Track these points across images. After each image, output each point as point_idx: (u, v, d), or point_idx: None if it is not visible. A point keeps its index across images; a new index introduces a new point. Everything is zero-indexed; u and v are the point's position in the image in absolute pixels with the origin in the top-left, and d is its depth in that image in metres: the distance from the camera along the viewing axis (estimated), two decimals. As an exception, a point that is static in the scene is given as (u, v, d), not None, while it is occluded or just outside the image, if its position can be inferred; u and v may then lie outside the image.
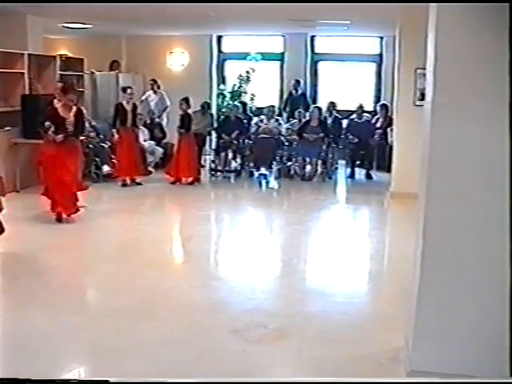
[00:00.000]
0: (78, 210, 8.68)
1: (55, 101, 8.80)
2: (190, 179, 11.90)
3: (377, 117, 13.38)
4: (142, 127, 12.65)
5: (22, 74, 10.86)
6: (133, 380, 4.18)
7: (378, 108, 13.59)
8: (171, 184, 11.65)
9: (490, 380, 4.03)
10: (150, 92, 14.61)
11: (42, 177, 8.84)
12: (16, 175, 10.37)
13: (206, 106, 14.11)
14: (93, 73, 14.16)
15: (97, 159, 11.75)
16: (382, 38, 14.97)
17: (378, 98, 14.90)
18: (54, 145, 8.52)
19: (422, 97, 9.18)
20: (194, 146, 12.20)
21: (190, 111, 12.21)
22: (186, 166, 11.82)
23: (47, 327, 5.22)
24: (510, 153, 3.86)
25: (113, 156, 11.84)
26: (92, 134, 11.67)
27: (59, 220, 8.54)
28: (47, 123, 8.63)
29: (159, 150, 13.11)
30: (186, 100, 12.13)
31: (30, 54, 11.24)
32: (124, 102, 11.47)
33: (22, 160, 10.52)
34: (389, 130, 12.51)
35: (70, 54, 14.72)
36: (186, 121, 12.02)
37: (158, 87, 14.73)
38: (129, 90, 11.53)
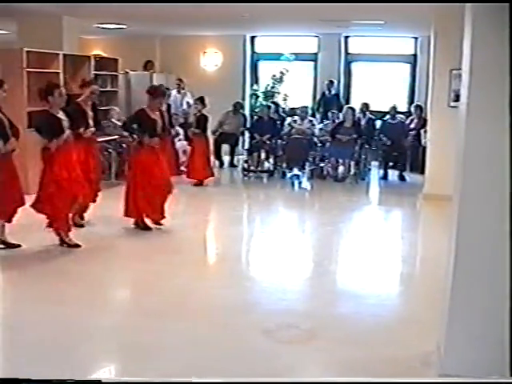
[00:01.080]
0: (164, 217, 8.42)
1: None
2: (208, 179, 11.88)
3: (411, 118, 13.30)
4: (177, 127, 12.70)
5: (58, 73, 10.94)
6: (127, 380, 4.19)
7: (412, 109, 13.50)
8: (194, 186, 11.57)
9: (490, 380, 3.99)
10: (174, 91, 14.59)
11: (132, 182, 8.25)
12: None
13: (237, 106, 14.13)
14: (127, 73, 14.24)
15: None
16: (416, 38, 14.85)
17: (411, 99, 14.79)
18: (149, 149, 8.13)
19: (457, 98, 9.09)
20: (208, 147, 12.17)
21: (205, 111, 11.90)
22: (201, 167, 11.72)
23: (79, 325, 5.27)
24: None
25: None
26: (125, 134, 11.71)
27: (146, 227, 8.30)
28: (134, 125, 8.35)
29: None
30: (201, 100, 11.83)
31: (65, 55, 11.34)
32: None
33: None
34: (422, 131, 12.41)
35: (105, 54, 14.83)
36: (201, 121, 11.76)
37: (183, 88, 14.76)
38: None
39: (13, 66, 10.24)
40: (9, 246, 7.27)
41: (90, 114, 8.34)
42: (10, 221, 7.29)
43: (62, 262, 7.01)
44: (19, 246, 7.30)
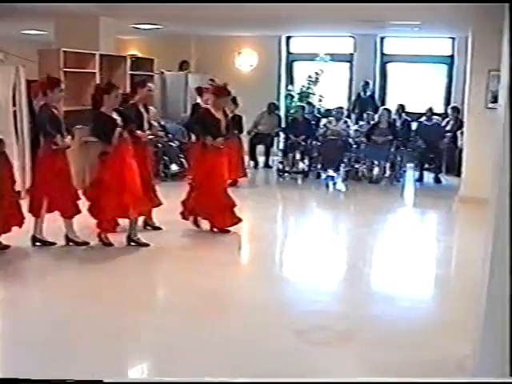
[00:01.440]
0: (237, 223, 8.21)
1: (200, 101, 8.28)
2: (242, 179, 11.85)
3: (447, 119, 13.17)
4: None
5: (94, 73, 11.05)
6: (128, 380, 4.19)
7: (449, 110, 13.37)
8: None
9: (490, 380, 3.93)
10: None
11: (196, 184, 8.17)
12: (85, 173, 10.53)
13: (272, 107, 14.12)
14: (162, 73, 14.31)
15: (165, 158, 11.88)
16: (453, 38, 14.68)
17: (448, 101, 14.64)
18: (214, 150, 7.97)
19: (495, 99, 9.01)
20: (242, 147, 12.14)
21: (237, 111, 11.83)
22: (234, 167, 11.46)
23: (113, 324, 5.31)
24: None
25: (181, 155, 11.95)
26: (161, 134, 11.78)
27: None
28: (197, 126, 8.27)
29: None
30: (234, 100, 11.43)
31: (101, 55, 11.45)
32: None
33: (92, 158, 10.67)
34: (459, 133, 12.29)
35: (140, 55, 14.92)
36: (236, 122, 11.41)
37: None
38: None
39: (50, 66, 10.35)
40: (77, 243, 7.39)
41: (146, 115, 8.18)
42: (71, 216, 7.39)
43: (106, 259, 7.06)
44: (87, 243, 7.43)
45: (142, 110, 8.14)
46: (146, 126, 8.11)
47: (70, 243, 7.39)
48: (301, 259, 7.64)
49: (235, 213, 8.15)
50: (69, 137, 7.21)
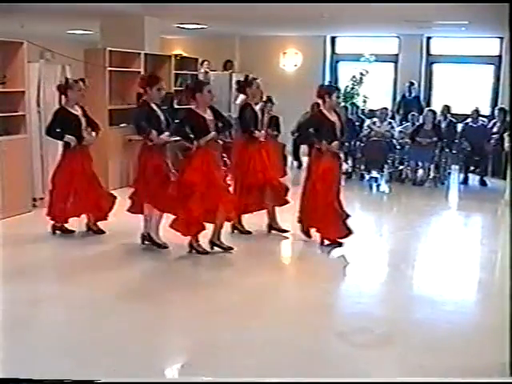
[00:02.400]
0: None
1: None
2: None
3: (493, 121, 12.97)
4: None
5: (139, 72, 11.13)
6: (125, 380, 4.18)
7: (495, 112, 13.17)
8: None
9: (490, 380, 3.85)
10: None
11: (309, 189, 7.65)
12: (130, 171, 10.62)
13: (315, 107, 14.07)
14: (207, 72, 14.36)
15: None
16: (501, 38, 14.45)
17: (495, 102, 14.43)
18: (327, 156, 7.48)
19: (543, 101, 8.85)
20: (279, 146, 12.00)
21: (273, 112, 11.59)
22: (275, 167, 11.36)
23: (154, 322, 5.35)
24: None
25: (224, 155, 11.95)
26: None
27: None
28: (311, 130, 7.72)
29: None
30: (270, 100, 11.26)
31: (146, 54, 11.54)
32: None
33: (135, 156, 10.76)
34: (505, 135, 12.09)
35: (185, 54, 15.00)
36: (273, 122, 11.30)
37: None
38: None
39: (96, 66, 10.46)
40: (157, 245, 7.30)
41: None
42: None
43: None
44: (166, 247, 7.30)
45: (258, 109, 8.03)
46: (261, 126, 7.97)
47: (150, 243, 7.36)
48: (344, 260, 7.58)
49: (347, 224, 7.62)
50: (166, 133, 7.09)
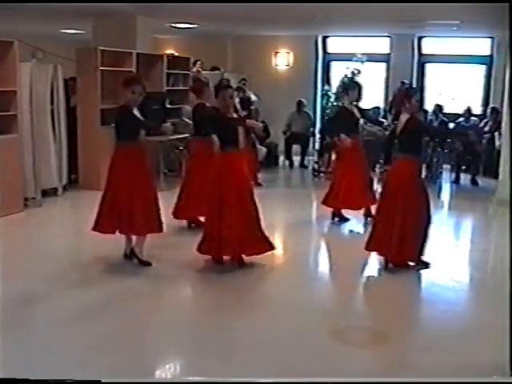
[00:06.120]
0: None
1: None
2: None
3: (485, 120, 13.01)
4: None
5: (131, 72, 11.10)
6: (127, 380, 4.19)
7: (488, 111, 13.21)
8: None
9: (490, 380, 3.87)
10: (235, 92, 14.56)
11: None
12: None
13: (300, 105, 14.22)
14: (199, 72, 14.34)
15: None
16: (492, 38, 14.49)
17: (486, 102, 14.47)
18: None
19: (535, 100, 8.88)
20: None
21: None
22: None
23: (145, 322, 5.35)
24: None
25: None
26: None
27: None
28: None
29: (263, 150, 13.10)
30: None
31: (138, 53, 11.51)
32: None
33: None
34: (496, 134, 12.13)
35: (177, 54, 14.98)
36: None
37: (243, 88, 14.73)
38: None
39: (87, 65, 10.44)
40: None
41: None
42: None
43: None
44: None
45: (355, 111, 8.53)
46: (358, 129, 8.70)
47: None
48: (334, 260, 7.59)
49: None
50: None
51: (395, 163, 6.89)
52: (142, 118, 6.63)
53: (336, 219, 9.06)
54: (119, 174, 6.50)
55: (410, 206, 6.61)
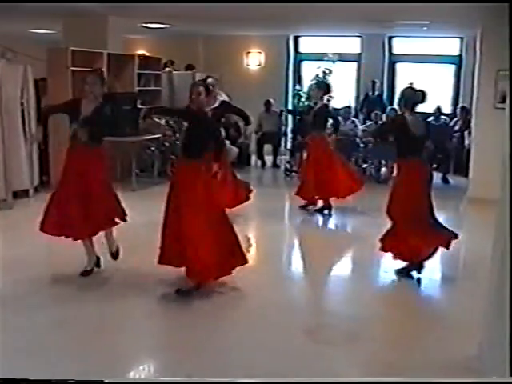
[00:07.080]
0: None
1: None
2: None
3: (455, 119, 13.13)
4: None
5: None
6: (128, 380, 4.19)
7: (458, 110, 13.33)
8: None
9: (490, 380, 3.92)
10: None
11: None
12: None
13: (268, 104, 14.31)
14: (170, 72, 14.32)
15: (172, 157, 11.87)
16: (462, 38, 14.65)
17: (456, 101, 14.61)
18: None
19: (503, 99, 8.98)
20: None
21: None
22: None
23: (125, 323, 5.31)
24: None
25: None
26: (168, 133, 11.78)
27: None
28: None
29: (234, 150, 13.10)
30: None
31: (109, 54, 11.45)
32: None
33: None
34: (466, 132, 12.25)
35: (148, 54, 14.94)
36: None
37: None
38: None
39: (58, 65, 10.41)
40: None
41: None
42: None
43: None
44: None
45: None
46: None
47: None
48: (308, 258, 7.62)
49: None
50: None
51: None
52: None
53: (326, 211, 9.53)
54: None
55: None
